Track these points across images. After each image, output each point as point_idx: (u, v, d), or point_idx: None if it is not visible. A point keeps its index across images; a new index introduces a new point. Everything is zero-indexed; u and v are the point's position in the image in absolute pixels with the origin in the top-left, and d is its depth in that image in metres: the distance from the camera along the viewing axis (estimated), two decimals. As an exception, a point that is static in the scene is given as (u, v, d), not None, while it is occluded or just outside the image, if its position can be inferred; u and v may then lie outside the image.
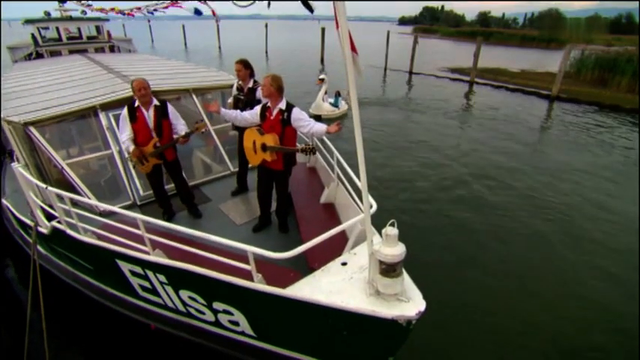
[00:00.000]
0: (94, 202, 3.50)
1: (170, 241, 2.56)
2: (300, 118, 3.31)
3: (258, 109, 3.51)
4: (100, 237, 3.00)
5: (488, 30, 55.25)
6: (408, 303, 1.91)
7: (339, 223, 3.25)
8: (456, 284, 4.62)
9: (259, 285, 2.09)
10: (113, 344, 3.75)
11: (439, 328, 3.86)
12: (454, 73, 22.37)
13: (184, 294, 2.54)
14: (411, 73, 22.27)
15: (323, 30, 26.74)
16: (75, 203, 3.26)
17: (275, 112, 3.37)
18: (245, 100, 4.27)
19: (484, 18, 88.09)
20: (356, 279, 2.10)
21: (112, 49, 13.31)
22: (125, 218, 2.69)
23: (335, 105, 12.50)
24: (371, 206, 2.29)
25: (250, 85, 4.28)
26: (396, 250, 1.85)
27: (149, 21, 44.09)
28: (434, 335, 3.76)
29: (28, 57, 12.67)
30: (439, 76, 21.72)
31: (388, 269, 1.88)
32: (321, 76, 12.22)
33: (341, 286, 2.06)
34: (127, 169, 4.45)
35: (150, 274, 2.56)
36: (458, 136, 11.07)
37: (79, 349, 3.75)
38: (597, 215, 6.40)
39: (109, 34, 13.78)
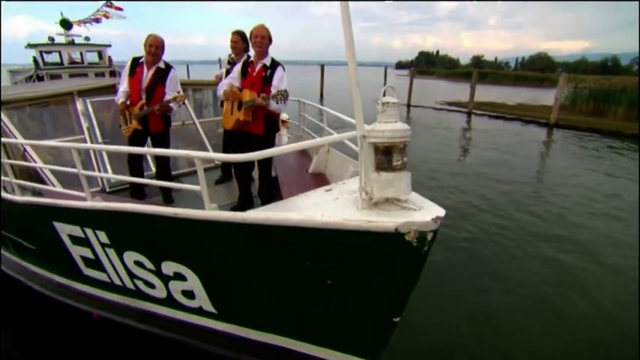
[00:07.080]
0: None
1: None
2: (280, 78, 2.97)
3: (238, 66, 3.14)
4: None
5: (482, 71, 57.14)
6: (418, 211, 1.34)
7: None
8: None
9: (209, 212, 1.58)
10: (48, 338, 3.15)
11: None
12: (452, 106, 22.62)
13: (129, 258, 2.04)
14: (409, 106, 22.46)
15: (322, 67, 27.79)
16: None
17: (258, 68, 3.02)
18: None
19: (478, 61, 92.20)
20: (344, 199, 1.57)
21: (112, 74, 13.41)
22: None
23: None
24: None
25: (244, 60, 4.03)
26: (397, 125, 1.33)
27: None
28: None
29: (29, 79, 12.78)
30: (437, 108, 21.94)
31: (387, 156, 1.31)
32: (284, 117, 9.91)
33: (323, 206, 1.52)
34: (99, 154, 4.08)
35: (89, 233, 2.08)
36: (458, 157, 10.86)
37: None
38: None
39: (110, 60, 14.02)
